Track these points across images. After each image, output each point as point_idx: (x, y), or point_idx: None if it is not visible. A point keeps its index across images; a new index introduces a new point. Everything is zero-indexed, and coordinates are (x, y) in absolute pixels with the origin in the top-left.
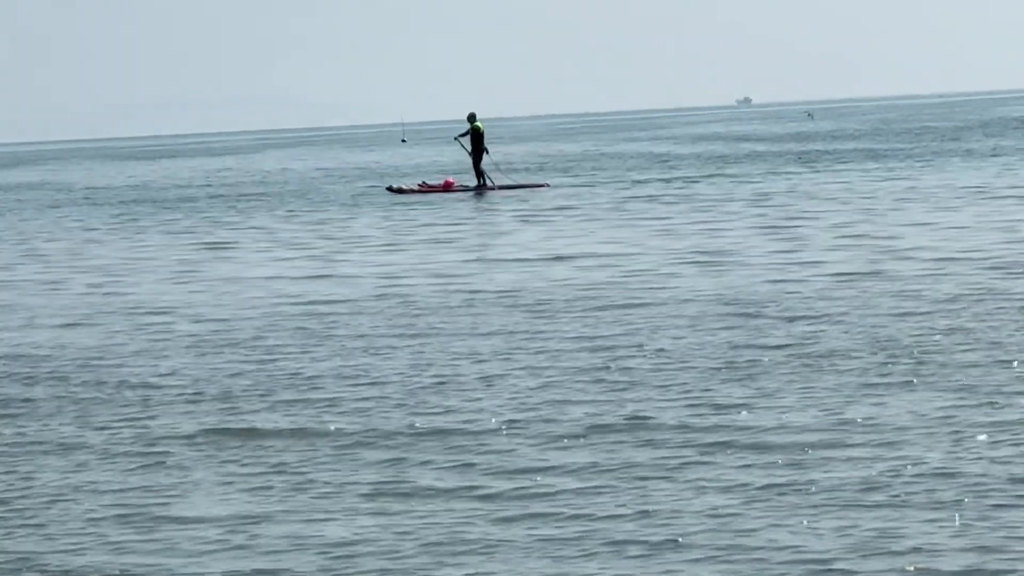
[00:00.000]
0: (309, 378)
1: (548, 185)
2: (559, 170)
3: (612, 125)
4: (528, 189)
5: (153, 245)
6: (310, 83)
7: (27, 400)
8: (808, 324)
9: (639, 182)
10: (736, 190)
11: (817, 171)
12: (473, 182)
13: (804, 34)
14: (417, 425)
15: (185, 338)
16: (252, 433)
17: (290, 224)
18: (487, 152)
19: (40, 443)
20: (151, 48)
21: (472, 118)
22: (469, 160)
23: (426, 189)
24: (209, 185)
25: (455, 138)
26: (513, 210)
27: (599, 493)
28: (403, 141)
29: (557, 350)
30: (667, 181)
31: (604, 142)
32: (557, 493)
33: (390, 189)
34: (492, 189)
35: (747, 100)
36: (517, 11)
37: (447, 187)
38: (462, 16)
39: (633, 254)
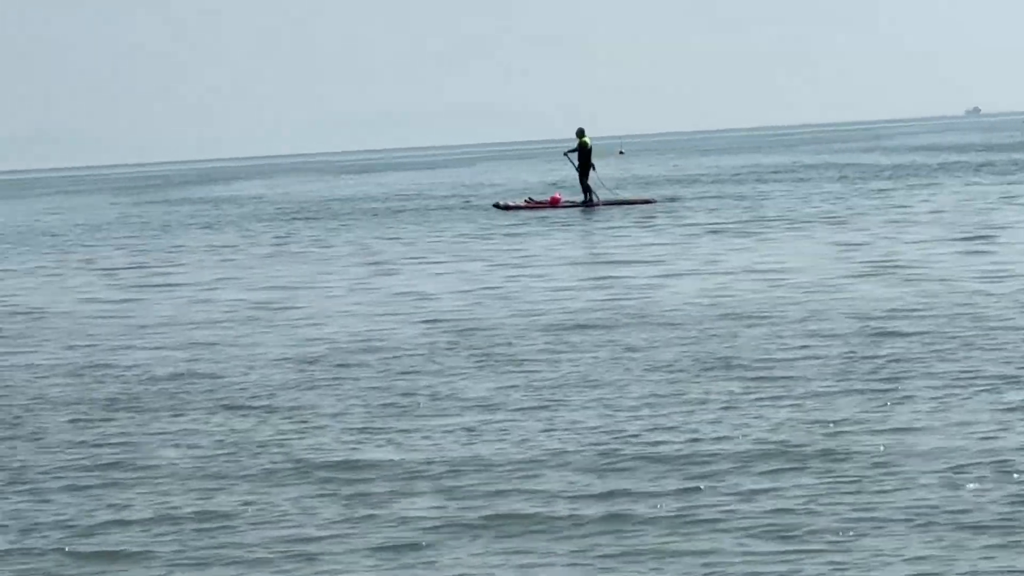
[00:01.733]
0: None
1: (655, 201)
2: (756, 180)
3: (830, 136)
4: (634, 205)
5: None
6: (531, 94)
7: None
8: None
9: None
10: (919, 198)
11: (1011, 183)
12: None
13: None
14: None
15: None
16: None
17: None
18: (594, 168)
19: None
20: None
21: (580, 133)
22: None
23: (533, 205)
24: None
25: (564, 153)
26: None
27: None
28: (621, 153)
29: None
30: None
31: (807, 153)
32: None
33: (497, 206)
34: (597, 205)
35: (976, 110)
36: (732, 21)
37: (554, 203)
38: (671, 25)
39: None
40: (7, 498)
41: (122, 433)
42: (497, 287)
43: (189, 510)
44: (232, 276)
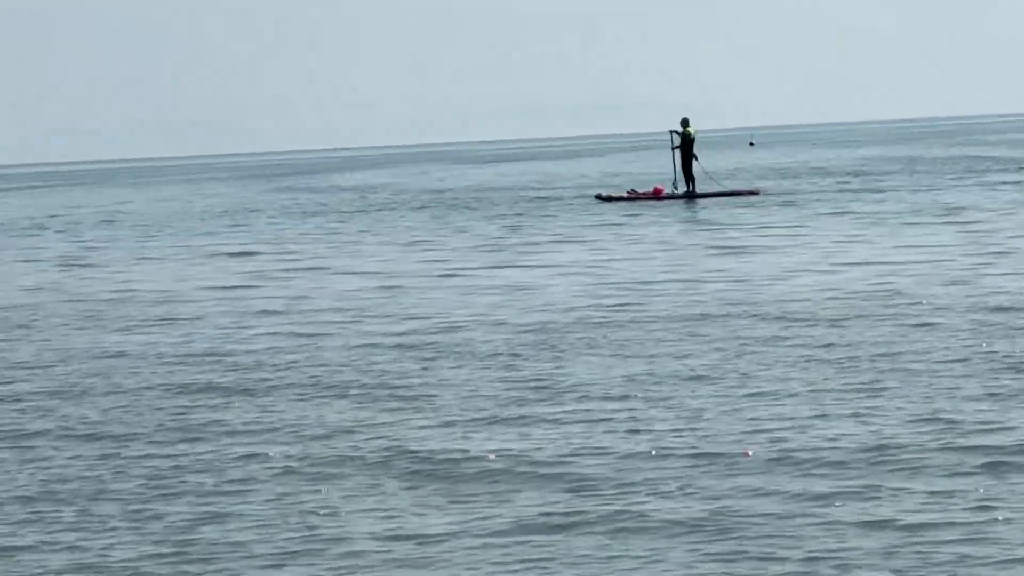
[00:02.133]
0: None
1: (759, 192)
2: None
3: (958, 129)
4: (739, 196)
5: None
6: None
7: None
8: None
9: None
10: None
11: None
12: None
13: None
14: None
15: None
16: None
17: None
18: (696, 158)
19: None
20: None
21: (685, 123)
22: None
23: (635, 196)
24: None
25: (672, 148)
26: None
27: None
28: (751, 144)
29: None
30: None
31: (935, 146)
32: None
33: (599, 197)
34: (699, 195)
35: None
36: (867, 12)
37: (656, 194)
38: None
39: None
40: (134, 480)
41: (242, 421)
42: (614, 277)
43: (301, 500)
44: (363, 261)
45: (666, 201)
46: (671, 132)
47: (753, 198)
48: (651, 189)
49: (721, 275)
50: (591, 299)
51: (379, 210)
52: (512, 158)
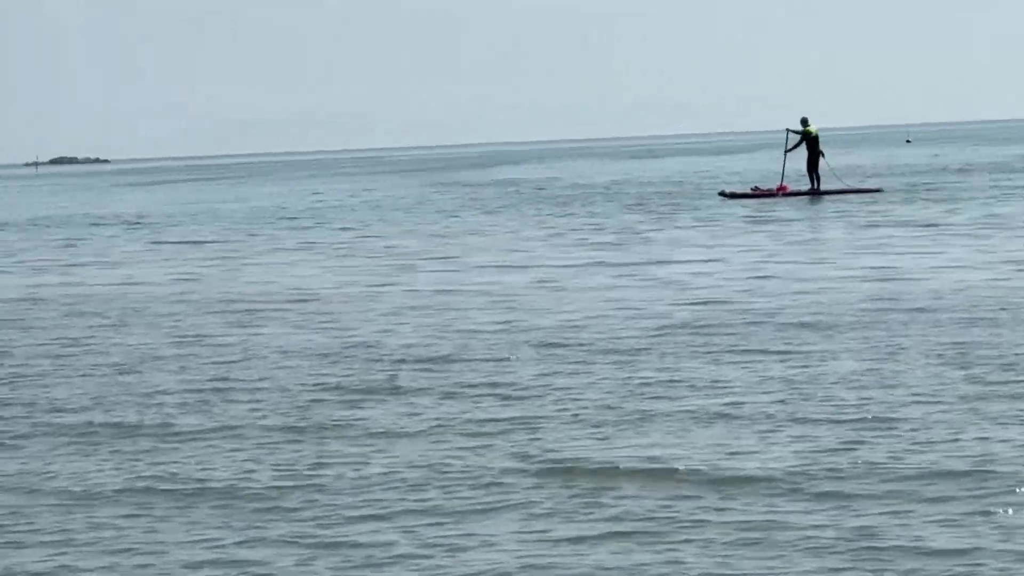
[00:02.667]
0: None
1: (881, 190)
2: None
3: None
4: (862, 193)
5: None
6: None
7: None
8: None
9: None
10: None
11: None
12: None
13: None
14: None
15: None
16: None
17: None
18: (823, 155)
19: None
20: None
21: (805, 122)
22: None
23: (759, 193)
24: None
25: (786, 130)
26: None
27: None
28: (908, 142)
29: None
30: None
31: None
32: None
33: (722, 194)
34: (820, 193)
35: None
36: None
37: (781, 191)
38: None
39: None
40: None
41: (370, 419)
42: (762, 272)
43: (424, 503)
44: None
45: (791, 198)
46: (788, 131)
47: (876, 195)
48: (775, 186)
49: (876, 272)
50: (744, 295)
51: (536, 202)
52: (656, 153)
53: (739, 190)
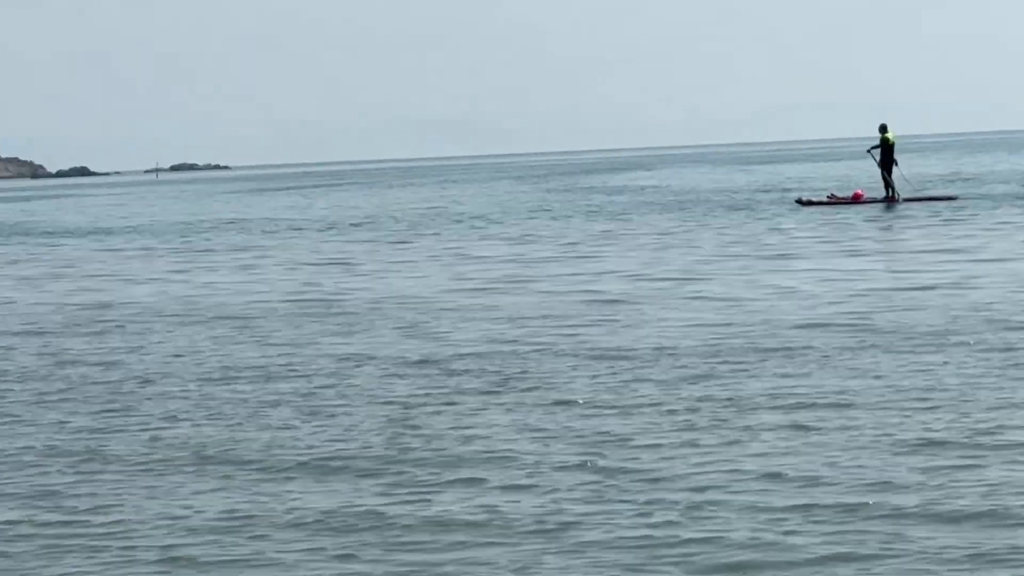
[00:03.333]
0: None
1: (957, 197)
2: None
3: None
4: (938, 201)
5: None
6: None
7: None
8: None
9: None
10: None
11: None
12: (881, 193)
13: None
14: None
15: None
16: None
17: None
18: (896, 164)
19: None
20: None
21: (883, 129)
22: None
23: (836, 201)
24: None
25: (868, 150)
26: None
27: None
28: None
29: None
30: None
31: None
32: None
33: (799, 201)
34: (897, 201)
35: None
36: None
37: (856, 199)
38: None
39: None
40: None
41: (470, 425)
42: (863, 282)
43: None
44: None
45: (867, 205)
46: (869, 151)
47: (952, 203)
48: (851, 194)
49: (983, 280)
50: (845, 305)
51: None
52: (777, 159)
53: (815, 197)
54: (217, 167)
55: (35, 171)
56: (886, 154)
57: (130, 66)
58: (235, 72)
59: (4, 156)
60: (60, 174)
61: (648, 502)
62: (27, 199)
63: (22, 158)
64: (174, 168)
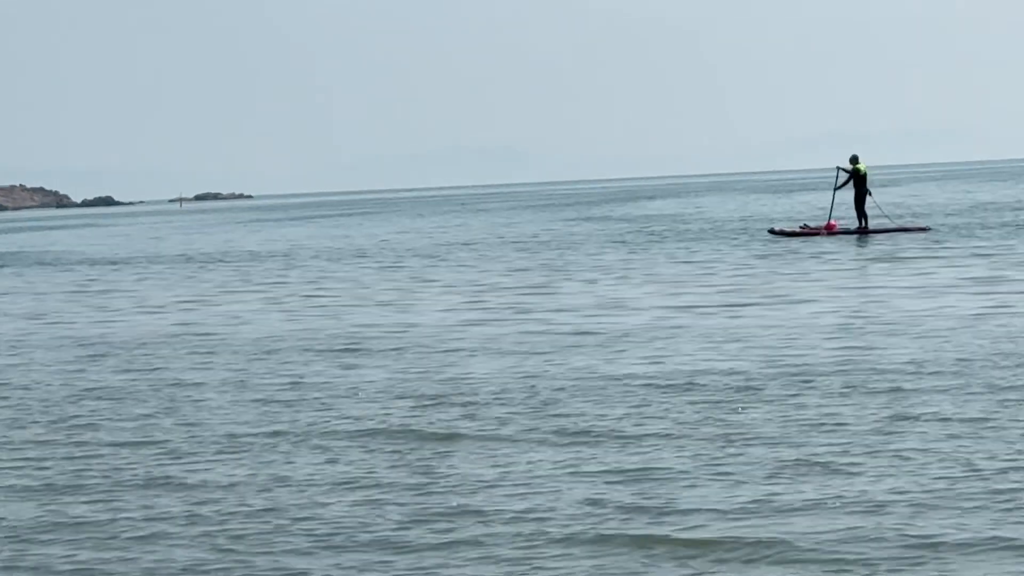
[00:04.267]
0: None
1: (929, 228)
2: None
3: None
4: (909, 232)
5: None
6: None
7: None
8: None
9: None
10: None
11: None
12: (854, 224)
13: None
14: None
15: None
16: None
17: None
18: (870, 194)
19: None
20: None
21: (855, 160)
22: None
23: (808, 232)
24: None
25: (836, 168)
26: None
27: None
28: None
29: None
30: None
31: None
32: None
33: (772, 231)
34: (867, 232)
35: None
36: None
37: (829, 229)
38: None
39: None
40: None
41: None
42: (865, 314)
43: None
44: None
45: (840, 236)
46: (838, 169)
47: (923, 234)
48: (823, 224)
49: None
50: (845, 341)
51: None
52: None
53: (788, 228)
54: (240, 196)
55: (60, 200)
56: (859, 185)
57: (151, 95)
58: (257, 104)
59: (30, 186)
60: (85, 203)
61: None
62: (55, 227)
63: (47, 188)
64: (198, 198)
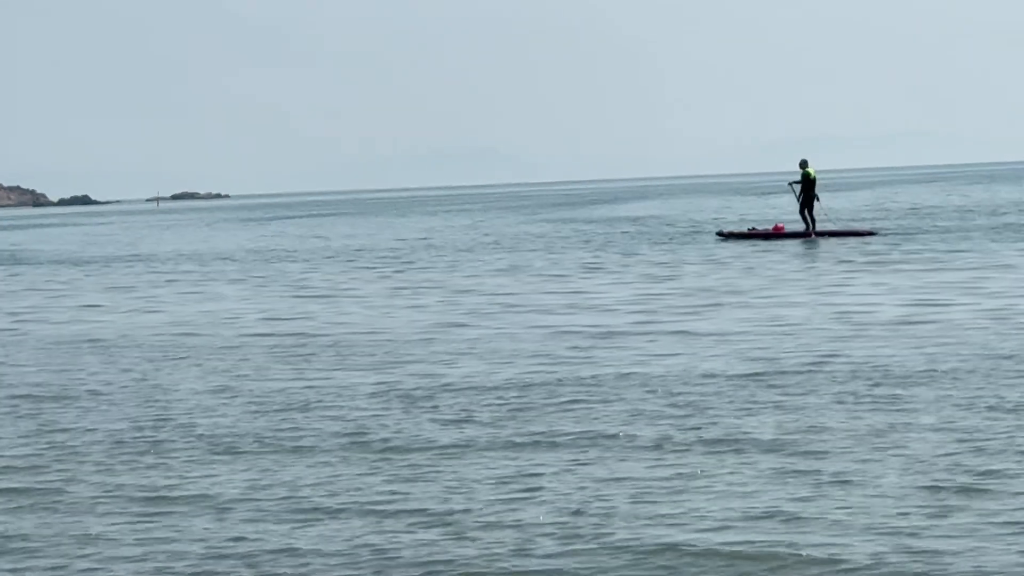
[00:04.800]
0: None
1: (875, 233)
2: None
3: None
4: (854, 237)
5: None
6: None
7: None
8: None
9: None
10: None
11: None
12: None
13: None
14: None
15: None
16: None
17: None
18: (818, 199)
19: None
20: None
21: (804, 164)
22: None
23: (756, 234)
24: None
25: (789, 184)
26: None
27: None
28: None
29: None
30: None
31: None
32: None
33: (720, 234)
34: (814, 235)
35: None
36: None
37: (777, 232)
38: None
39: None
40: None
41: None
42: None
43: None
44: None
45: (787, 239)
46: (790, 184)
47: (871, 237)
48: (772, 227)
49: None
50: (834, 343)
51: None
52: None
53: (736, 230)
54: (217, 196)
55: (37, 199)
56: (807, 189)
57: (127, 94)
58: (233, 102)
59: (6, 185)
60: (62, 202)
61: None
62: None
63: (24, 187)
64: (175, 197)
